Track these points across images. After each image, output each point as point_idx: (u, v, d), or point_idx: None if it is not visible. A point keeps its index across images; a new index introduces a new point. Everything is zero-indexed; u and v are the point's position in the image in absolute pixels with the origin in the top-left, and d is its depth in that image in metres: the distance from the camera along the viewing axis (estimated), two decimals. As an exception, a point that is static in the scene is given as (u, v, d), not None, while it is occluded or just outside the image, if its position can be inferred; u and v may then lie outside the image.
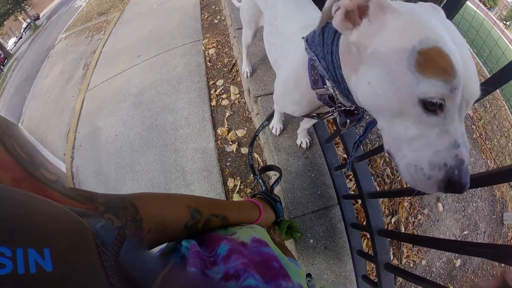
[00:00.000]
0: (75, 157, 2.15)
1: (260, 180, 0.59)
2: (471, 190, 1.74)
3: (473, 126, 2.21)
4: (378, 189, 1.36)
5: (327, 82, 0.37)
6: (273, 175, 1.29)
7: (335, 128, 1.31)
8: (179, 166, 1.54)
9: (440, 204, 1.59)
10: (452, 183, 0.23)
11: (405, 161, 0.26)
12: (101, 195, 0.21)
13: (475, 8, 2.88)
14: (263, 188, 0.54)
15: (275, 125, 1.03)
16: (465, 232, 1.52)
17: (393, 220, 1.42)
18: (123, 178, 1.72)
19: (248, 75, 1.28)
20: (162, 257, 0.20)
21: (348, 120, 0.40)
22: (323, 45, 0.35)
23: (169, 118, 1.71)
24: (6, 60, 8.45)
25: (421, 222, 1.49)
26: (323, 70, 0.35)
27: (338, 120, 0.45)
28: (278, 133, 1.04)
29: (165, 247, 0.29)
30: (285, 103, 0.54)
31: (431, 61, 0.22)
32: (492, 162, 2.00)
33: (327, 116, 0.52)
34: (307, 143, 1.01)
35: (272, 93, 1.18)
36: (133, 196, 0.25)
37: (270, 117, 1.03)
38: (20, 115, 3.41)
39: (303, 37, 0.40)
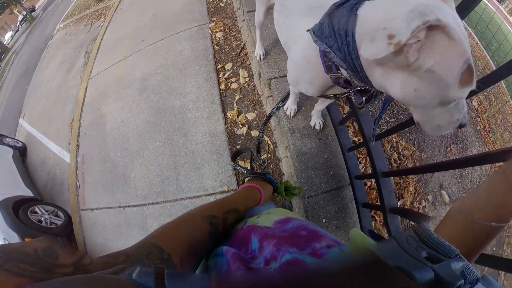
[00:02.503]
0: (80, 146, 2.11)
1: (237, 166, 0.58)
2: (474, 179, 1.75)
3: (477, 118, 2.19)
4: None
5: (341, 68, 0.39)
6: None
7: (347, 111, 1.30)
8: (189, 150, 1.51)
9: (444, 192, 1.58)
10: (462, 125, 0.35)
11: (431, 125, 0.36)
12: (121, 253, 0.21)
13: (486, 1, 2.79)
14: (245, 172, 0.54)
15: (290, 106, 1.02)
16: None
17: (398, 204, 1.41)
18: (131, 164, 1.69)
19: (261, 57, 1.24)
20: (205, 275, 0.18)
21: (364, 99, 0.44)
22: (335, 36, 0.36)
23: (177, 102, 1.67)
24: (3, 55, 8.30)
25: (426, 209, 1.49)
26: (339, 61, 0.37)
27: (354, 100, 0.48)
28: (292, 114, 1.03)
29: (199, 267, 0.29)
30: (298, 83, 0.55)
31: (468, 76, 0.29)
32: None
33: (343, 96, 0.52)
34: (320, 125, 1.00)
35: (285, 76, 1.16)
36: (152, 236, 0.25)
37: (284, 98, 1.01)
38: (21, 108, 3.36)
39: (308, 30, 0.40)
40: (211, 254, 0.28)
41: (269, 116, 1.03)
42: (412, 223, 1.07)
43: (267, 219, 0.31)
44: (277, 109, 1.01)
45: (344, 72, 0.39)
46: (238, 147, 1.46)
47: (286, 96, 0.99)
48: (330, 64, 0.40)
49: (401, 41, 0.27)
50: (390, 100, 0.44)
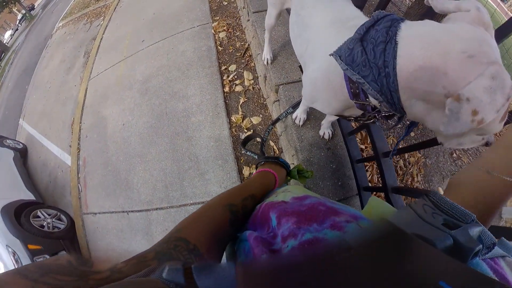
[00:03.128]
0: (81, 149, 2.08)
1: (248, 152, 0.56)
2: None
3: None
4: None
5: (370, 96, 0.37)
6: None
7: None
8: (192, 155, 1.47)
9: (440, 188, 1.55)
10: (488, 143, 0.34)
11: (455, 143, 0.35)
12: (149, 251, 0.21)
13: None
14: (256, 157, 0.54)
15: (299, 115, 1.00)
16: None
17: None
18: (134, 168, 1.66)
19: (269, 62, 1.19)
20: (230, 263, 0.18)
21: (393, 124, 0.43)
22: (371, 66, 0.33)
23: (180, 105, 1.62)
24: (3, 54, 8.24)
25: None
26: (375, 93, 0.34)
27: (377, 123, 0.49)
28: (301, 123, 1.01)
29: (225, 253, 0.30)
30: (314, 101, 0.53)
31: (506, 113, 0.29)
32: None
33: (366, 121, 0.50)
34: (329, 135, 0.99)
35: (294, 82, 1.13)
36: (177, 229, 0.26)
37: (296, 105, 0.98)
38: (21, 109, 3.33)
39: (331, 54, 0.38)
40: (237, 240, 0.29)
41: (277, 119, 1.00)
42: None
43: (285, 196, 0.31)
44: (286, 114, 0.98)
45: (374, 101, 0.37)
46: (248, 133, 1.41)
47: (297, 103, 0.96)
48: (358, 91, 0.37)
49: (485, 120, 0.26)
50: (416, 125, 0.42)
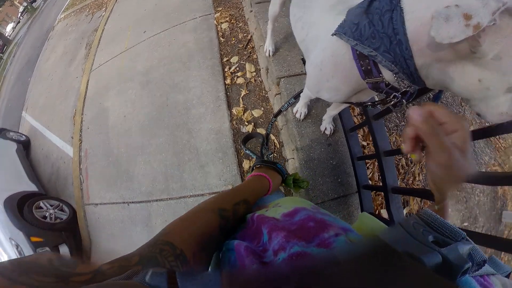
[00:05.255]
0: (83, 140, 2.09)
1: (248, 151, 0.55)
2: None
3: (487, 123, 2.11)
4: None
5: (382, 70, 0.35)
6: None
7: (358, 117, 1.24)
8: (193, 147, 1.47)
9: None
10: None
11: (494, 114, 0.31)
12: (132, 255, 0.21)
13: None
14: (255, 158, 0.53)
15: (300, 109, 0.97)
16: (465, 224, 1.51)
17: (405, 212, 1.37)
18: (134, 160, 1.66)
19: (271, 53, 1.17)
20: (216, 272, 0.18)
21: (404, 100, 0.40)
22: (381, 37, 0.32)
23: (181, 97, 1.60)
24: (5, 47, 8.25)
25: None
26: (389, 65, 0.33)
27: (394, 103, 0.42)
28: (302, 117, 0.99)
29: (212, 261, 0.29)
30: (320, 90, 0.50)
31: None
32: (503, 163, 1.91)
33: (387, 103, 0.46)
34: (331, 130, 0.97)
35: (296, 75, 1.10)
36: (163, 233, 0.25)
37: (297, 95, 0.95)
38: (24, 101, 3.35)
39: (334, 34, 0.37)
40: (223, 248, 0.28)
41: (279, 112, 0.99)
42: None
43: (276, 212, 0.31)
44: (288, 105, 0.96)
45: (388, 75, 0.36)
46: (249, 131, 1.40)
47: (299, 94, 0.94)
48: (369, 68, 0.36)
49: (481, 23, 0.22)
50: (440, 97, 0.41)
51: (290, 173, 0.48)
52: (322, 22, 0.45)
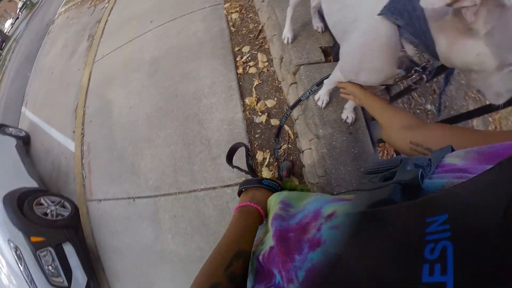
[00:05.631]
0: (85, 134, 2.01)
1: (234, 167, 0.48)
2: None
3: (489, 118, 2.14)
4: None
5: (405, 44, 0.40)
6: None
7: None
8: (204, 138, 1.40)
9: None
10: None
11: (491, 93, 0.37)
12: None
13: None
14: (244, 173, 0.47)
15: (322, 97, 0.95)
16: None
17: None
18: (141, 153, 1.59)
19: (289, 41, 1.13)
20: None
21: (424, 76, 0.42)
22: (403, 12, 0.36)
23: (191, 87, 1.54)
24: (4, 43, 8.12)
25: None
26: (412, 37, 0.37)
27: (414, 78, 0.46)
28: (324, 105, 0.96)
29: None
30: (360, 72, 0.51)
31: None
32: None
33: (409, 77, 0.48)
34: (352, 118, 0.95)
35: (316, 63, 1.07)
36: None
37: (320, 83, 0.92)
38: (24, 97, 3.26)
39: (380, 14, 0.40)
40: None
41: (299, 100, 0.94)
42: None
43: (268, 239, 0.29)
44: (310, 93, 0.92)
45: (410, 49, 0.40)
46: (263, 122, 1.33)
47: (321, 82, 0.90)
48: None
49: None
50: (452, 73, 0.46)
51: (287, 179, 0.44)
52: (364, 2, 0.46)
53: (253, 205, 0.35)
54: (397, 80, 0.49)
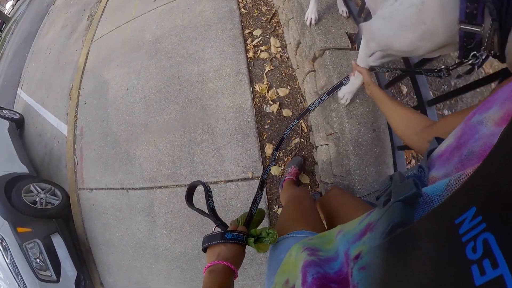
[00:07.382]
0: (79, 117, 1.87)
1: (195, 209, 0.42)
2: None
3: None
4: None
5: (486, 21, 0.32)
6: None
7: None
8: (207, 126, 1.26)
9: None
10: None
11: None
12: None
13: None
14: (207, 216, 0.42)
15: (347, 95, 0.85)
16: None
17: None
18: (136, 139, 1.46)
19: (313, 22, 1.02)
20: None
21: (476, 67, 0.38)
22: None
23: (195, 69, 1.39)
24: (4, 25, 7.93)
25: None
26: (494, 10, 0.30)
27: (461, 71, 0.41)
28: (347, 103, 0.88)
29: None
30: (407, 36, 0.44)
31: None
32: None
33: (464, 63, 0.40)
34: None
35: (342, 49, 0.96)
36: None
37: (332, 91, 0.83)
38: (20, 78, 3.12)
39: None
40: None
41: (307, 110, 0.87)
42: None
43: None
44: (319, 102, 0.85)
45: (488, 24, 0.32)
46: (274, 111, 1.20)
47: (334, 90, 0.82)
48: (475, 12, 0.32)
49: None
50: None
51: (252, 224, 0.40)
52: None
53: (222, 262, 0.34)
54: (450, 68, 0.43)
